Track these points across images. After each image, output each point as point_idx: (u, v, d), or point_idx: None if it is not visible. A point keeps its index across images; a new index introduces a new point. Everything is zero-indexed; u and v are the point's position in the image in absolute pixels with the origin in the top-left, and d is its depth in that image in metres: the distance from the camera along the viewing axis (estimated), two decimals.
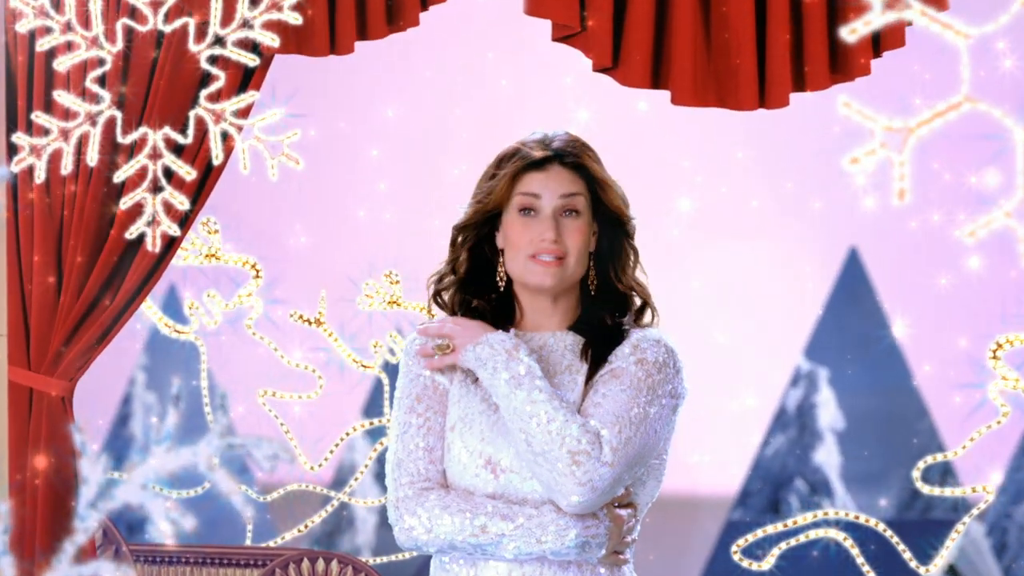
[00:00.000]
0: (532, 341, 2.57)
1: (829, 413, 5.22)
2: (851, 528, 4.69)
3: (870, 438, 5.15)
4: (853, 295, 5.19)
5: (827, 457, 5.19)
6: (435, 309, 2.66)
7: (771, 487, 5.23)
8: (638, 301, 2.61)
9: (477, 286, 2.60)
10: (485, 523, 2.46)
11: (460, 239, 2.59)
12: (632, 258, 2.59)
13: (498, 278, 2.58)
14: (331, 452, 5.11)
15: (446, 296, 2.62)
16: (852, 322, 5.16)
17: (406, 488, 2.51)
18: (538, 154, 2.54)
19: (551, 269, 2.53)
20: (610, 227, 2.58)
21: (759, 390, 5.22)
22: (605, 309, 2.58)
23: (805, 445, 5.23)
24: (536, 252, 2.53)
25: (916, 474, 4.58)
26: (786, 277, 5.19)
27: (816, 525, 4.59)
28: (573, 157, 2.56)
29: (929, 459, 4.57)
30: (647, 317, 2.61)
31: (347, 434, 5.13)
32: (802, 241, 5.19)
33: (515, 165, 2.54)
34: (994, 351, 4.45)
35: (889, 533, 4.55)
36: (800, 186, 5.19)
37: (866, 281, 5.19)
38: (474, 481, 2.51)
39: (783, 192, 5.19)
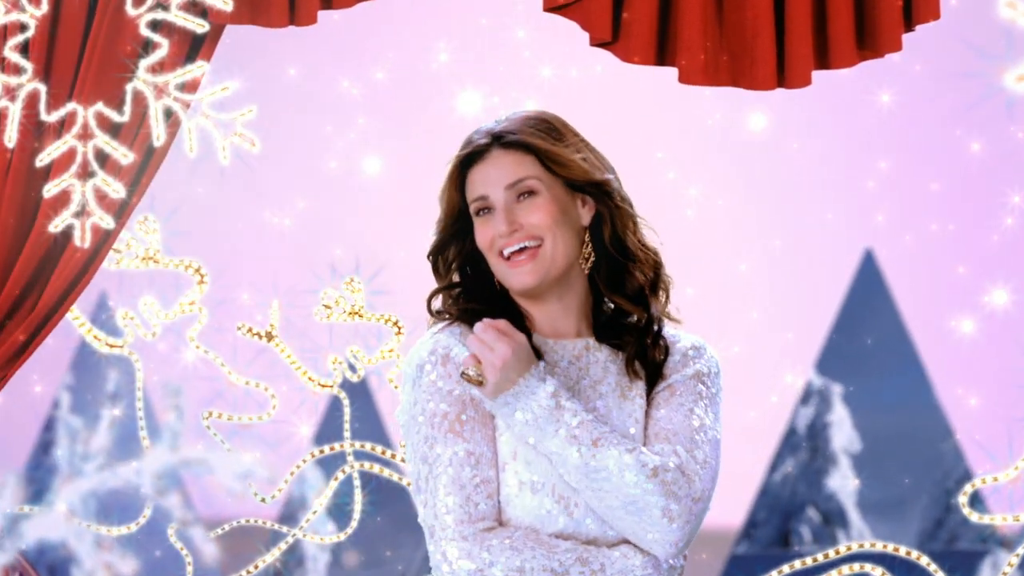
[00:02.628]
0: (566, 351, 2.42)
1: (844, 434, 5.15)
2: (888, 562, 4.48)
3: (889, 461, 5.08)
4: (869, 302, 5.13)
5: (842, 483, 5.12)
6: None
7: (780, 517, 5.16)
8: (643, 282, 2.45)
9: (479, 291, 2.45)
10: (563, 568, 2.31)
11: (441, 264, 2.45)
12: (626, 216, 2.42)
13: (496, 283, 2.45)
14: (286, 482, 4.88)
15: (441, 299, 2.46)
16: (868, 332, 5.08)
17: (465, 527, 2.33)
18: (475, 144, 2.42)
19: (526, 266, 2.40)
20: (592, 194, 2.44)
21: (765, 408, 5.13)
22: (619, 301, 2.42)
23: (817, 470, 5.15)
24: (499, 251, 2.41)
25: (963, 499, 4.37)
26: (795, 283, 5.13)
27: (848, 559, 4.31)
28: (513, 135, 2.41)
29: (978, 482, 4.35)
30: (663, 300, 2.46)
31: (304, 461, 4.95)
32: (812, 243, 5.15)
33: (455, 164, 2.43)
34: None
35: (934, 567, 4.30)
36: (808, 183, 5.17)
37: (883, 287, 5.11)
38: (542, 520, 2.36)
39: (788, 190, 5.17)
